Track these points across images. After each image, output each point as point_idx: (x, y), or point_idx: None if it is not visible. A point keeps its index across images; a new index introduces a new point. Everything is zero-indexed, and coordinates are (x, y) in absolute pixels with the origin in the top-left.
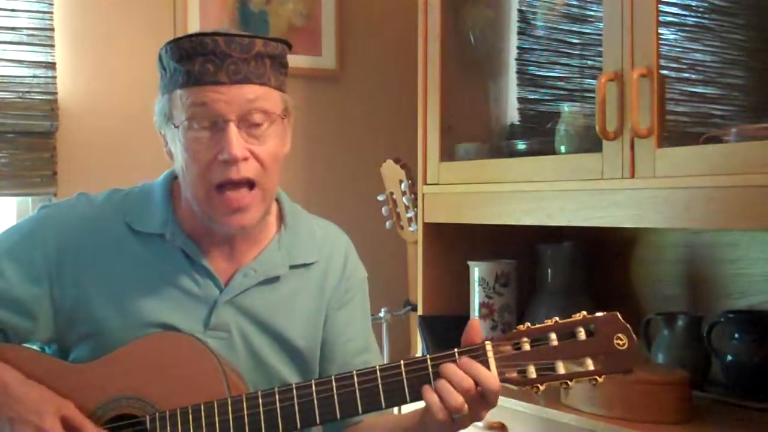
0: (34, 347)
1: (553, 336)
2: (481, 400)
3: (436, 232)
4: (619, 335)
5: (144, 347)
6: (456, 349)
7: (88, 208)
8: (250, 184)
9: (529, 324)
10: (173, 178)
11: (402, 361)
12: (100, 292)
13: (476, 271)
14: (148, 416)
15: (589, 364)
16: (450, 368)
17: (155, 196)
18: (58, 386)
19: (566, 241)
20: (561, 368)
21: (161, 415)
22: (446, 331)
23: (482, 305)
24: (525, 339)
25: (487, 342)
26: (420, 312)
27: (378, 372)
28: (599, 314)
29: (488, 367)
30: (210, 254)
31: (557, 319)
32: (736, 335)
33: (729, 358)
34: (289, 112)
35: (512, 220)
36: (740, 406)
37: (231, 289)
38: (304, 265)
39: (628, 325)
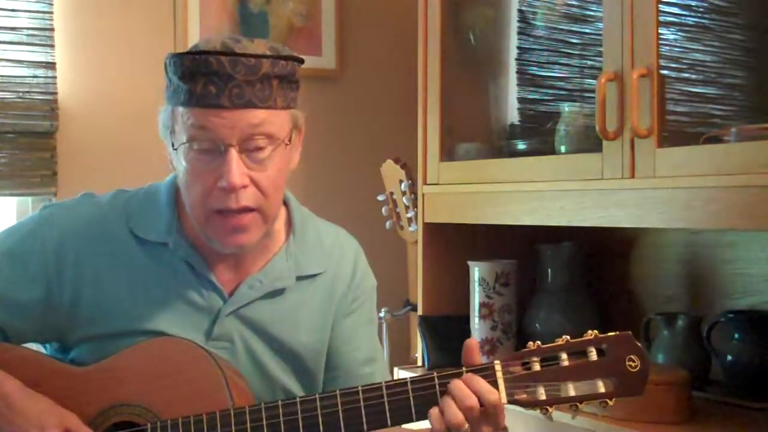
0: (35, 347)
1: (564, 356)
2: (484, 418)
3: (436, 232)
4: (632, 357)
5: (144, 353)
6: (465, 368)
7: (92, 209)
8: (250, 210)
9: (539, 343)
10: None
11: (408, 378)
12: (100, 297)
13: (476, 271)
14: (149, 424)
15: (600, 387)
16: (456, 384)
17: (160, 202)
18: (58, 391)
19: (566, 241)
20: (571, 390)
21: (162, 424)
22: (446, 331)
23: (482, 305)
24: (535, 358)
25: (496, 362)
26: (420, 312)
27: (384, 389)
28: (611, 334)
29: (497, 388)
30: (214, 264)
31: (568, 337)
32: (736, 335)
33: (729, 358)
34: (299, 128)
35: (512, 220)
36: (740, 406)
37: (235, 301)
38: (311, 276)
39: (640, 346)
